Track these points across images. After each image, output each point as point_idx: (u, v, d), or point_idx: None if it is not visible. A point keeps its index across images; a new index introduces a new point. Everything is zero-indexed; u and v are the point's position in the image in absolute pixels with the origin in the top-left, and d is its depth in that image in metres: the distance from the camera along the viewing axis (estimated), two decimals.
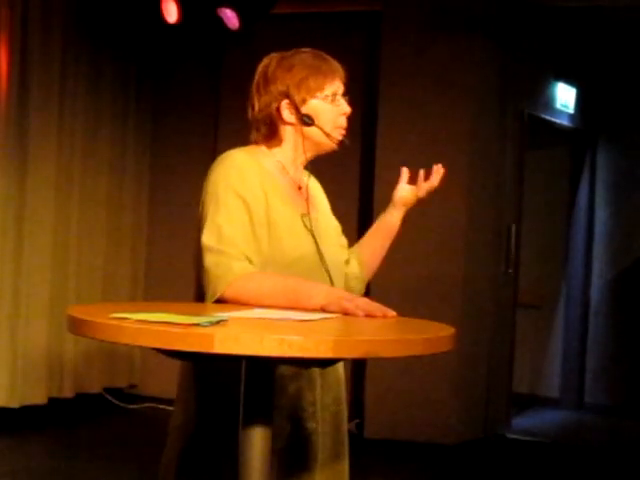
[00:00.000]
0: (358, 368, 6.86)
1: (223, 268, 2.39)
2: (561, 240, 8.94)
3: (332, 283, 2.54)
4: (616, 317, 8.73)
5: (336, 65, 2.62)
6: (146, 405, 7.54)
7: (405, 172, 2.80)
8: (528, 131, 7.69)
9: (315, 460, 2.50)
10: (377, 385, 6.87)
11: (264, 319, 2.18)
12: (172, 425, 2.55)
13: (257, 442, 2.08)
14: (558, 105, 8.45)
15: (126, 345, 1.97)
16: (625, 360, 8.61)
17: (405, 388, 6.80)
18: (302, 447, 2.49)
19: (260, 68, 2.62)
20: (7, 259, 6.66)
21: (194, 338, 1.87)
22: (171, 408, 2.60)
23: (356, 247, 2.81)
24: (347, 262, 2.74)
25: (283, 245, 2.48)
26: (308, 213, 2.57)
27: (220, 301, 2.39)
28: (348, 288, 2.68)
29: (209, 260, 2.41)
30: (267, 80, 2.58)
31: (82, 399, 7.31)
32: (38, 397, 6.86)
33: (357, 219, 6.96)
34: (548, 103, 8.29)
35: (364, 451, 6.24)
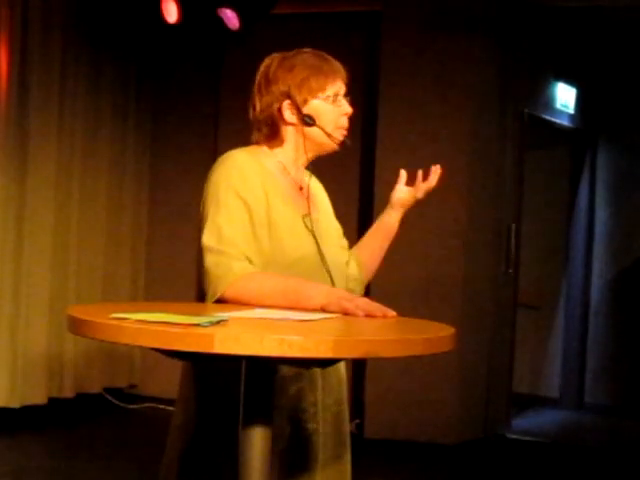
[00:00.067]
0: (358, 368, 6.86)
1: (223, 268, 2.39)
2: (561, 240, 8.94)
3: (333, 284, 2.54)
4: (616, 317, 8.73)
5: (337, 65, 2.62)
6: (146, 405, 7.54)
7: (403, 174, 2.80)
8: (528, 131, 7.69)
9: (316, 461, 2.50)
10: (377, 385, 6.87)
11: (264, 319, 2.18)
12: (173, 425, 2.55)
13: (257, 442, 2.08)
14: (558, 105, 8.45)
15: (126, 345, 1.97)
16: (625, 360, 8.61)
17: (405, 388, 6.80)
18: (303, 448, 2.49)
19: (261, 68, 2.62)
20: (7, 259, 6.66)
21: (194, 338, 1.87)
22: (171, 408, 2.60)
23: (355, 249, 2.81)
24: (346, 264, 2.74)
25: (284, 245, 2.48)
26: (309, 214, 2.57)
27: (220, 301, 2.39)
28: (347, 290, 2.68)
29: (209, 260, 2.41)
30: (268, 80, 2.58)
31: (82, 399, 7.31)
32: (38, 397, 6.86)
33: (357, 219, 6.95)
34: (548, 103, 8.29)
35: (364, 451, 6.23)
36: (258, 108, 2.59)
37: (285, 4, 6.52)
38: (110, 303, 6.28)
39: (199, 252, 2.45)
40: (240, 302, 2.36)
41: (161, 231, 7.94)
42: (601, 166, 8.88)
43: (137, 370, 7.84)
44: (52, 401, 6.99)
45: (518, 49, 7.33)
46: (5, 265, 6.65)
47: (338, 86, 2.60)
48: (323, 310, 2.32)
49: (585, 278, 8.83)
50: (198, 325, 1.92)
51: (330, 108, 2.59)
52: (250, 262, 2.42)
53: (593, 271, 8.85)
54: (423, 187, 2.78)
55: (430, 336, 2.11)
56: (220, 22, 6.16)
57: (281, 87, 2.56)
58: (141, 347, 2.03)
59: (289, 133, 2.60)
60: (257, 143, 2.62)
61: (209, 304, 2.39)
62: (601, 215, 8.86)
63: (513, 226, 7.40)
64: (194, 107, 7.84)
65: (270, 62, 2.61)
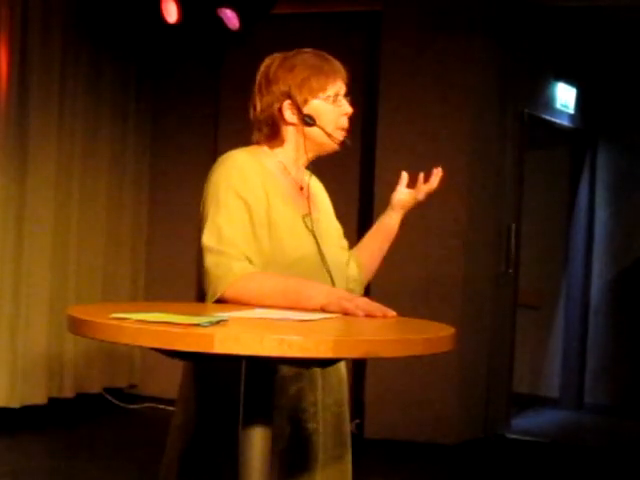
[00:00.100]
0: (358, 368, 6.86)
1: (223, 269, 2.39)
2: (561, 240, 8.94)
3: (333, 284, 2.54)
4: (616, 317, 8.73)
5: (338, 65, 2.62)
6: (146, 405, 7.54)
7: (404, 176, 2.81)
8: (528, 131, 7.69)
9: (316, 461, 2.50)
10: (377, 385, 6.87)
11: (264, 319, 2.18)
12: (173, 424, 2.55)
13: (257, 442, 2.08)
14: (558, 105, 8.45)
15: (126, 345, 1.97)
16: (625, 360, 8.61)
17: (405, 388, 6.80)
18: (303, 448, 2.49)
19: (262, 68, 2.62)
20: (7, 259, 6.66)
21: (194, 338, 1.87)
22: (171, 408, 2.60)
23: (355, 250, 2.81)
24: (346, 264, 2.74)
25: (284, 245, 2.48)
26: (309, 214, 2.57)
27: (220, 301, 2.39)
28: (347, 290, 2.68)
29: (209, 261, 2.41)
30: (269, 80, 2.58)
31: (82, 399, 7.31)
32: (38, 397, 6.86)
33: (357, 219, 6.96)
34: (548, 103, 8.29)
35: (364, 451, 6.23)
36: (258, 108, 2.59)
37: (285, 4, 6.52)
38: (110, 303, 6.28)
39: (199, 252, 2.45)
40: (240, 302, 2.36)
41: (161, 231, 7.94)
42: (601, 166, 8.88)
43: (137, 370, 7.84)
44: (52, 401, 6.99)
45: (518, 49, 7.33)
46: (5, 265, 6.65)
47: (338, 86, 2.60)
48: (323, 310, 2.32)
49: (585, 278, 8.83)
50: (198, 325, 1.92)
51: (330, 108, 2.59)
52: (250, 262, 2.42)
53: (593, 271, 8.85)
54: (424, 189, 2.79)
55: (430, 336, 2.11)
56: (220, 22, 6.16)
57: (282, 87, 2.56)
58: (141, 347, 2.02)
59: (289, 133, 2.60)
60: (257, 143, 2.62)
61: (209, 304, 2.39)
62: (601, 215, 8.86)
63: (513, 226, 7.40)
64: (194, 107, 7.84)
65: (271, 62, 2.61)
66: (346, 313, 2.30)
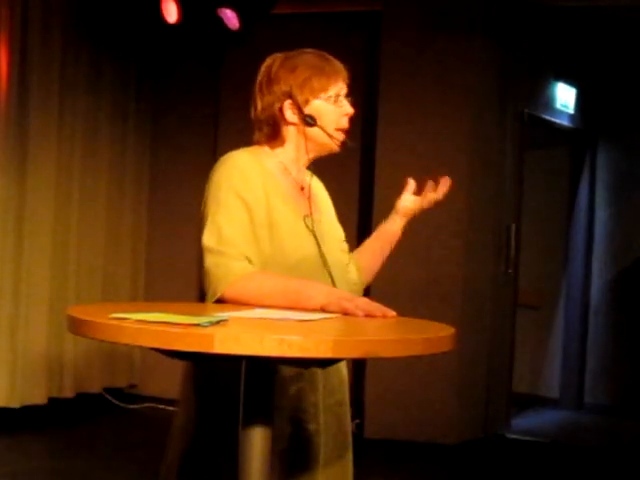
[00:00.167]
0: (358, 368, 6.86)
1: (223, 269, 2.39)
2: (561, 240, 8.94)
3: (334, 284, 2.54)
4: (616, 317, 8.73)
5: (339, 66, 2.62)
6: (146, 405, 7.54)
7: (411, 183, 2.79)
8: (528, 131, 7.69)
9: (317, 461, 2.50)
10: (377, 385, 6.87)
11: (264, 319, 2.18)
12: (174, 425, 2.55)
13: (257, 442, 2.08)
14: (558, 105, 8.44)
15: (126, 345, 1.97)
16: (625, 360, 8.61)
17: (405, 388, 6.80)
18: (303, 448, 2.49)
19: (263, 68, 2.62)
20: (7, 259, 6.66)
21: (194, 338, 1.87)
22: (171, 408, 2.61)
23: (355, 253, 2.81)
24: (346, 266, 2.74)
25: (284, 246, 2.48)
26: (310, 214, 2.57)
27: (220, 301, 2.39)
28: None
29: (209, 261, 2.41)
30: (270, 80, 2.58)
31: (82, 399, 7.31)
32: (38, 397, 6.86)
33: (357, 219, 6.95)
34: (548, 103, 8.29)
35: (364, 451, 6.23)
36: (259, 108, 2.59)
37: (285, 4, 6.52)
38: (110, 303, 6.27)
39: (200, 252, 2.45)
40: (240, 302, 2.36)
41: (161, 231, 7.94)
42: (601, 166, 8.87)
43: (137, 370, 7.84)
44: (52, 401, 6.99)
45: (518, 49, 7.33)
46: (5, 265, 6.65)
47: (340, 87, 2.60)
48: (323, 310, 2.32)
49: (585, 278, 8.83)
50: (198, 325, 1.92)
51: (331, 108, 2.59)
52: (250, 262, 2.42)
53: (593, 271, 8.84)
54: (431, 197, 2.78)
55: (430, 336, 2.11)
56: (220, 22, 6.16)
57: (283, 87, 2.56)
58: (141, 347, 2.02)
59: (290, 133, 2.59)
60: (258, 143, 2.62)
61: (209, 304, 2.39)
62: (601, 215, 8.86)
63: (513, 226, 7.40)
64: (194, 107, 7.84)
65: (272, 62, 2.61)
66: (346, 313, 2.30)
